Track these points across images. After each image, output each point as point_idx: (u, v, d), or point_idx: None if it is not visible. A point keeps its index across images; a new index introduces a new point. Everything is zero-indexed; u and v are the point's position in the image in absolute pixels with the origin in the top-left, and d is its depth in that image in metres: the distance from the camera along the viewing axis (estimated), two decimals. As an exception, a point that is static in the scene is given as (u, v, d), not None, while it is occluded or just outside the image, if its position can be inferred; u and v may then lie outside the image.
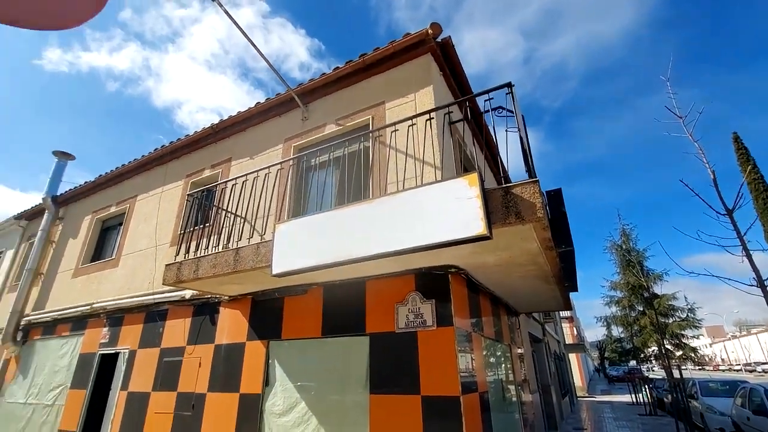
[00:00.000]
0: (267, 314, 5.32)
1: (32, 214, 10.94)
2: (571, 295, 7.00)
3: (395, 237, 3.39)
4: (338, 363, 4.59)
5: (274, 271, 3.95)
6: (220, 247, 5.09)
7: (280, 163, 5.24)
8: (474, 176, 3.29)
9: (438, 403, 3.85)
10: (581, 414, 16.12)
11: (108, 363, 6.82)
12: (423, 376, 4.01)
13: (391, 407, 4.06)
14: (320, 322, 4.84)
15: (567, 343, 23.97)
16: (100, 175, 9.26)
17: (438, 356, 4.01)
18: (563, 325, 24.75)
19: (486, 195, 3.25)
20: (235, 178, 5.26)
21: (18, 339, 8.72)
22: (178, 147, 7.96)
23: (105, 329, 7.15)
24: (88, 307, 7.50)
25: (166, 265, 5.09)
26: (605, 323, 22.50)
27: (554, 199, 4.18)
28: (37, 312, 8.72)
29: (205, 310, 5.96)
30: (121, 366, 6.51)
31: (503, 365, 6.30)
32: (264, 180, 5.21)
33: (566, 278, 5.27)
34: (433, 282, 4.33)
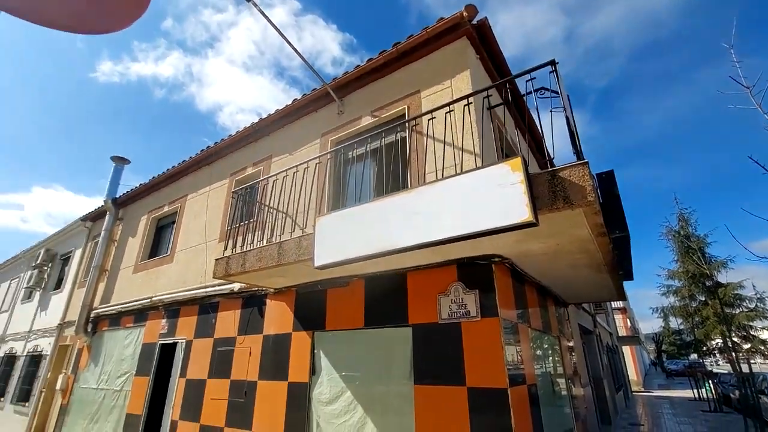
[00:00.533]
0: (311, 306, 5.44)
1: (96, 216, 11.88)
2: (625, 284, 6.58)
3: (436, 227, 3.33)
4: (382, 353, 4.61)
5: (316, 264, 4.01)
6: (264, 241, 5.26)
7: (318, 157, 5.30)
8: (517, 161, 3.14)
9: (485, 395, 3.77)
10: (637, 409, 15.29)
11: (167, 352, 7.30)
12: (468, 367, 3.94)
13: (436, 398, 4.02)
14: (362, 313, 4.88)
15: (620, 335, 22.78)
16: (153, 177, 9.87)
17: (483, 347, 3.92)
18: (616, 316, 23.55)
19: (531, 180, 3.10)
20: (276, 175, 5.39)
21: (88, 330, 9.55)
22: (221, 147, 8.29)
23: (163, 321, 7.65)
24: (148, 300, 8.05)
25: (216, 259, 5.34)
26: (662, 314, 21.15)
27: (606, 181, 3.92)
28: (103, 305, 9.50)
29: (252, 303, 6.20)
30: (179, 355, 6.95)
31: (552, 357, 6.06)
32: (303, 175, 5.30)
33: (620, 266, 4.96)
34: (476, 272, 4.22)
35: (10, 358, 12.99)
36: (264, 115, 7.52)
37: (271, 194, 5.84)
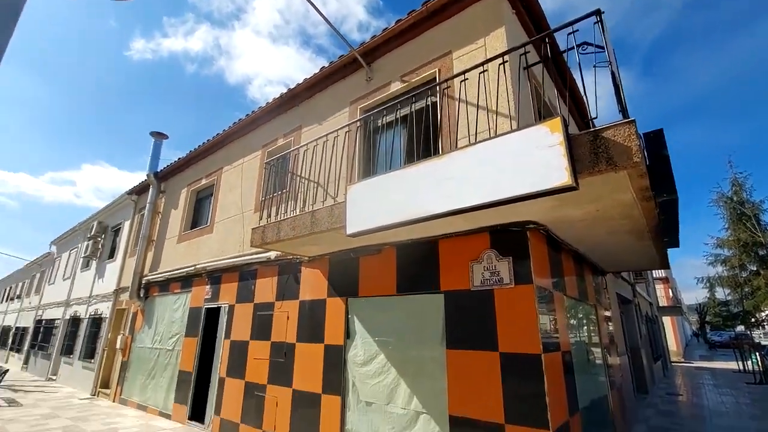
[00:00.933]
0: (344, 273, 5.58)
1: (140, 190, 12.54)
2: (669, 252, 6.25)
3: (468, 193, 3.26)
4: (414, 319, 4.69)
5: (348, 231, 4.07)
6: (298, 210, 5.37)
7: (347, 125, 5.25)
8: (556, 121, 2.97)
9: (518, 360, 3.79)
10: (675, 379, 14.96)
11: (212, 315, 7.80)
12: (501, 333, 3.95)
13: (469, 362, 4.09)
14: (394, 280, 4.95)
15: (661, 305, 22.01)
16: (190, 152, 10.21)
17: (517, 314, 3.90)
18: (657, 286, 22.68)
19: (571, 141, 2.94)
20: (306, 144, 5.42)
21: (141, 295, 10.32)
22: (252, 120, 8.39)
23: (207, 287, 8.12)
24: (192, 268, 8.54)
25: (252, 229, 5.53)
26: (708, 284, 20.16)
27: (654, 141, 3.65)
28: (152, 273, 10.18)
29: (288, 270, 6.43)
30: (222, 318, 7.40)
31: (588, 326, 5.96)
32: (333, 144, 5.29)
33: (665, 232, 4.70)
34: (510, 239, 4.14)
35: (75, 320, 14.35)
36: (292, 86, 7.50)
37: (302, 164, 5.90)
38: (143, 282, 10.39)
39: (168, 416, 7.89)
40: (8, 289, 29.18)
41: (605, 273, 7.57)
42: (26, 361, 18.39)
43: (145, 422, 7.65)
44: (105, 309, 12.19)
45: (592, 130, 2.99)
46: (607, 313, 7.18)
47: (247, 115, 8.47)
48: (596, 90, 3.30)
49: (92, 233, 14.52)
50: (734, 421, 7.92)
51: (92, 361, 11.83)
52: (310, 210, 4.79)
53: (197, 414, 7.31)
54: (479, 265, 4.25)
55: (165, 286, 9.62)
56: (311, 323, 5.77)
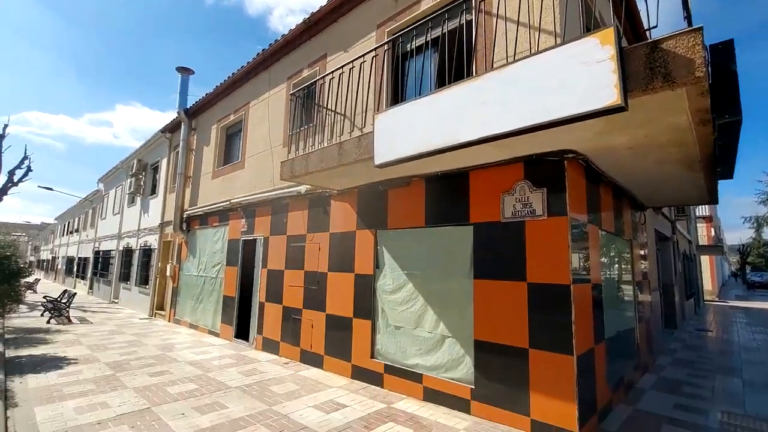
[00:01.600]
0: (372, 205, 5.62)
1: (173, 127, 12.76)
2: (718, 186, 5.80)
3: (504, 117, 3.05)
4: (442, 250, 4.75)
5: (376, 162, 4.00)
6: (325, 143, 5.31)
7: (374, 49, 4.93)
8: (608, 32, 2.63)
9: (546, 290, 3.81)
10: (707, 317, 14.84)
11: (249, 247, 8.24)
12: (530, 264, 3.94)
13: (496, 291, 4.16)
14: (423, 212, 4.94)
15: (701, 244, 21.21)
16: (217, 87, 10.10)
17: (548, 246, 3.84)
18: (699, 224, 21.68)
19: (624, 55, 2.62)
20: (331, 72, 5.19)
21: (183, 228, 10.98)
22: (276, 49, 8.06)
23: (243, 220, 8.49)
24: (227, 202, 8.89)
25: (281, 162, 5.56)
26: (755, 224, 19.03)
27: (722, 53, 3.20)
28: (192, 207, 10.71)
29: (318, 203, 6.55)
30: (258, 249, 7.81)
31: (621, 261, 5.85)
32: (359, 71, 5.04)
33: (721, 161, 4.32)
34: (545, 170, 3.95)
35: (128, 251, 15.64)
36: (315, 8, 7.03)
37: (328, 95, 5.71)
38: (184, 216, 10.99)
39: (216, 334, 8.75)
40: (67, 224, 31.92)
41: (645, 208, 7.23)
42: (91, 287, 20.59)
43: (197, 338, 8.54)
44: (153, 241, 13.15)
45: (649, 41, 2.64)
46: (643, 250, 6.99)
47: (270, 44, 8.13)
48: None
49: (133, 171, 15.23)
50: (765, 357, 7.88)
51: (147, 287, 13.05)
52: (338, 142, 4.72)
53: (242, 333, 8.06)
54: (511, 196, 4.13)
55: (204, 219, 10.14)
56: (341, 254, 5.98)
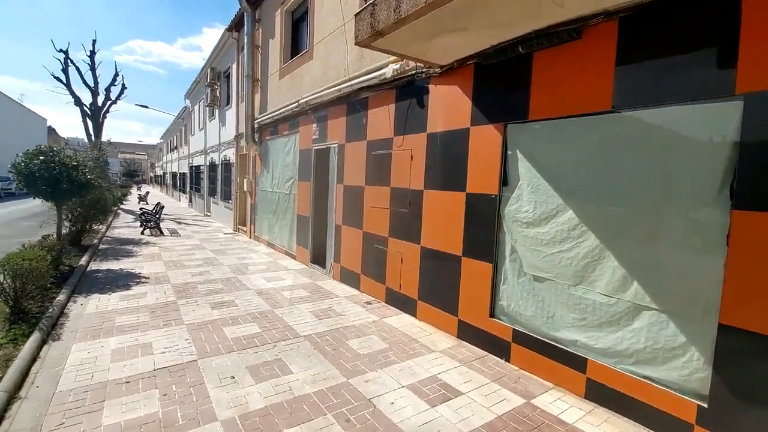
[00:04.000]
0: (502, 84, 3.47)
1: (237, 23, 11.12)
2: None
3: None
4: (654, 154, 2.56)
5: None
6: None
7: None
8: None
9: None
10: None
11: (323, 157, 6.72)
12: None
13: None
14: (611, 84, 2.69)
15: None
16: (277, -46, 7.93)
17: None
18: None
19: None
20: None
21: (255, 140, 9.88)
22: None
23: (314, 126, 6.89)
24: (295, 104, 7.28)
25: (355, 15, 3.53)
26: None
27: None
28: (262, 115, 9.39)
29: (411, 92, 4.55)
30: (333, 160, 6.24)
31: None
32: None
33: None
34: None
35: (213, 166, 15.57)
36: None
37: None
38: (255, 126, 9.81)
39: (293, 256, 7.85)
40: (169, 142, 34.35)
41: None
42: (190, 200, 21.93)
43: (273, 260, 7.74)
44: (231, 155, 12.52)
45: None
46: None
47: None
48: None
49: (208, 81, 14.36)
50: None
51: (230, 202, 12.80)
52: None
53: (318, 258, 6.97)
54: None
55: (274, 128, 8.81)
56: (446, 164, 4.07)
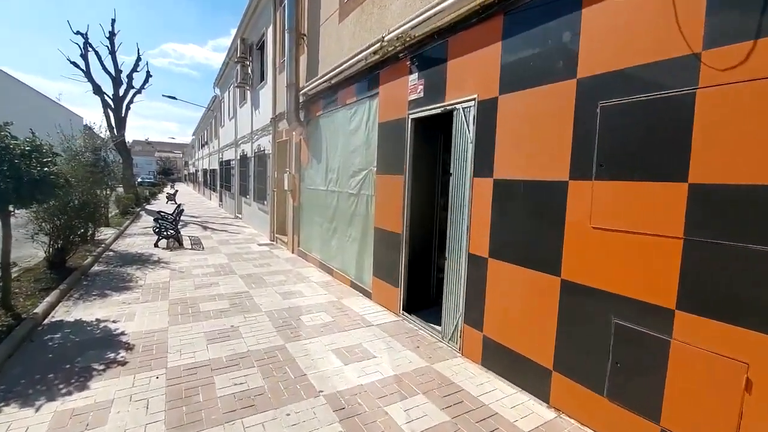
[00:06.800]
0: None
1: (276, -33, 8.40)
2: None
3: None
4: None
5: None
6: None
7: None
8: None
9: None
10: None
11: (430, 131, 3.81)
12: None
13: None
14: None
15: None
16: None
17: None
18: None
19: None
20: None
21: (301, 119, 7.12)
22: None
23: (413, 76, 3.98)
24: (377, 45, 4.39)
25: None
26: None
27: None
28: (311, 81, 6.58)
29: None
30: (464, 132, 3.31)
31: None
32: None
33: None
34: None
35: (244, 160, 13.07)
36: None
37: None
38: (300, 99, 7.05)
39: (365, 292, 5.02)
40: (200, 137, 32.64)
41: None
42: (220, 199, 19.73)
43: (336, 299, 4.94)
44: (266, 144, 9.88)
45: None
46: None
47: None
48: None
49: (238, 56, 11.81)
50: None
51: (265, 202, 10.21)
52: None
53: (415, 303, 4.10)
54: None
55: (331, 97, 5.99)
56: None
